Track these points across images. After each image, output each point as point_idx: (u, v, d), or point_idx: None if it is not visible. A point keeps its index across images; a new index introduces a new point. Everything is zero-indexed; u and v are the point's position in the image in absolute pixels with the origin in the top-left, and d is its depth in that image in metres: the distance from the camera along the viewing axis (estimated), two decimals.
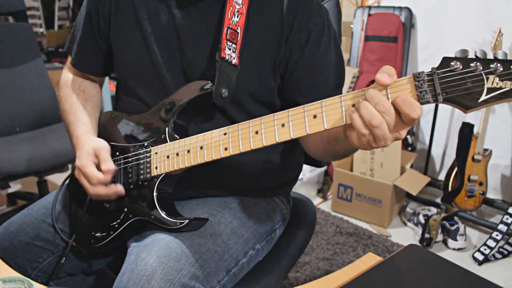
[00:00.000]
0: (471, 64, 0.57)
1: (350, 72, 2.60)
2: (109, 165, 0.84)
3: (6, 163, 1.64)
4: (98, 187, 0.84)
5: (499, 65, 0.56)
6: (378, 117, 0.60)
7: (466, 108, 0.59)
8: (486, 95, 0.57)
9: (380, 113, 0.60)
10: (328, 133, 0.78)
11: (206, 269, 0.79)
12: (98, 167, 0.85)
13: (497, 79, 0.56)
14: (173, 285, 0.72)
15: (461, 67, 0.58)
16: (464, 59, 0.58)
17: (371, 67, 2.59)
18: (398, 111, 0.61)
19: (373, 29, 2.57)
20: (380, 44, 2.55)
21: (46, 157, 1.75)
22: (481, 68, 0.57)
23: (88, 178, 0.84)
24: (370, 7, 2.60)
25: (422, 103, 0.60)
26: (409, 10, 2.47)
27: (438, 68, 0.59)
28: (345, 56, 2.60)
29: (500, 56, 0.56)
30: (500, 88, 0.56)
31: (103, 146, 0.87)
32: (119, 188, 0.85)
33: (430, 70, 0.59)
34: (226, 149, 0.75)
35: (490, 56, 0.58)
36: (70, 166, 2.07)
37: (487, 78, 0.57)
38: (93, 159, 0.85)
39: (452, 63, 0.58)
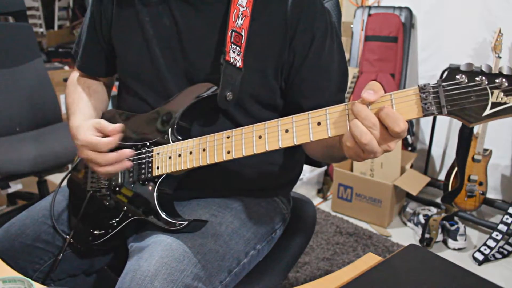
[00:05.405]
0: (477, 78, 0.57)
1: (350, 72, 2.60)
2: (114, 125, 0.81)
3: (6, 163, 1.64)
4: (108, 155, 0.81)
5: (504, 80, 0.56)
6: (367, 134, 0.61)
7: (469, 122, 0.59)
8: (490, 109, 0.57)
9: (367, 128, 0.61)
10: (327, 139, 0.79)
11: (208, 269, 0.79)
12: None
13: (501, 94, 0.56)
14: (176, 286, 0.72)
15: (466, 80, 0.58)
16: (469, 72, 0.58)
17: (371, 67, 2.59)
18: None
19: (373, 29, 2.57)
20: (380, 44, 2.55)
21: (46, 157, 1.74)
22: (486, 83, 0.57)
23: (96, 146, 0.80)
24: (370, 7, 2.60)
25: (426, 115, 0.60)
26: (409, 10, 2.47)
27: (443, 80, 0.59)
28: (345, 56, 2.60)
29: (505, 71, 0.56)
30: (505, 103, 0.56)
31: (101, 119, 0.85)
32: (128, 153, 0.81)
33: (436, 82, 0.60)
34: (228, 152, 0.75)
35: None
36: (70, 166, 2.07)
37: (492, 93, 0.57)
38: (94, 132, 0.83)
39: (458, 76, 0.58)
